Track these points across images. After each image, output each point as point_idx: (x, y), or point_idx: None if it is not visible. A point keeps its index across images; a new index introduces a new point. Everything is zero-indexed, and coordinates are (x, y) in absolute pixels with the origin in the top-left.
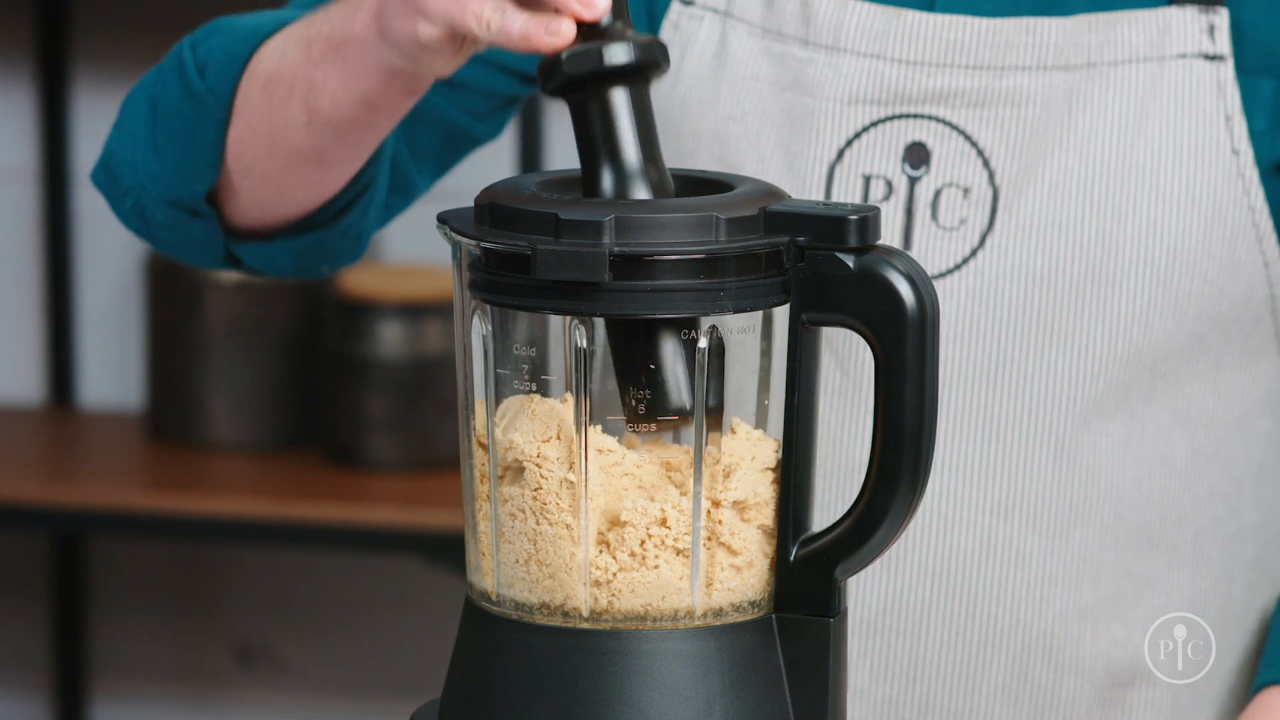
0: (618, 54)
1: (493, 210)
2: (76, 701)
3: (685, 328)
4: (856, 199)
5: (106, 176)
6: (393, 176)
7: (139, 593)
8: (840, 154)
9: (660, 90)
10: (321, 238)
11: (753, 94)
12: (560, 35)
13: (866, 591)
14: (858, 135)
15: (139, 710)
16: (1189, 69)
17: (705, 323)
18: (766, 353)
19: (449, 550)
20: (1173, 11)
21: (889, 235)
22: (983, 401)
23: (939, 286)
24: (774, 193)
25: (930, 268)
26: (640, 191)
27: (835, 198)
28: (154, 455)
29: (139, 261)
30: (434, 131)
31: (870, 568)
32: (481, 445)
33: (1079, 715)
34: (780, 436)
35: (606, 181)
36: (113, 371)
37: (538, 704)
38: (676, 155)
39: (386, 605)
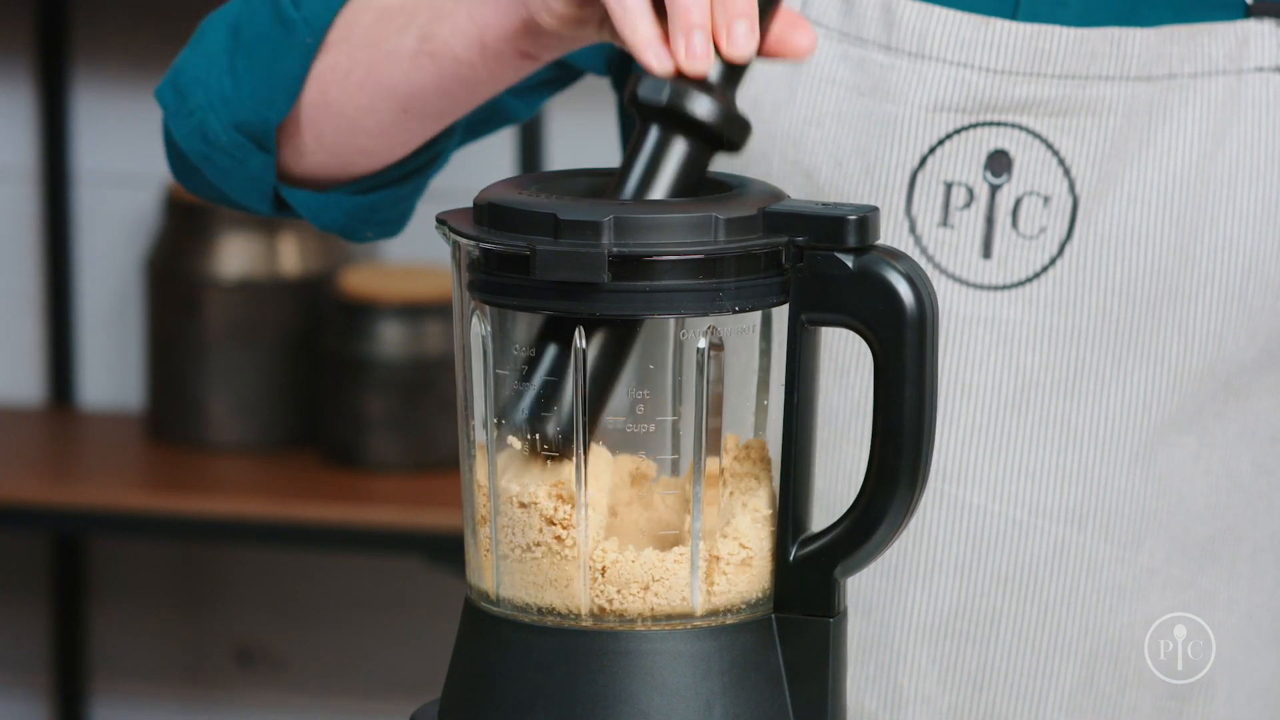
0: (699, 106)
1: (492, 210)
2: (76, 701)
3: (683, 328)
4: (937, 206)
5: (173, 93)
6: None
7: (139, 593)
8: (923, 161)
9: None
10: (376, 201)
11: (830, 97)
12: (666, 65)
13: (938, 597)
14: (941, 142)
15: (139, 710)
16: (1266, 83)
17: (704, 323)
18: (766, 353)
19: (449, 550)
20: (1251, 24)
21: (969, 242)
22: (1061, 409)
23: (1020, 295)
24: (773, 193)
25: (1010, 275)
26: None
27: (916, 204)
28: (154, 455)
29: (139, 261)
30: None
31: (943, 574)
32: (481, 445)
33: None
34: (779, 437)
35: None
36: (113, 372)
37: (538, 704)
38: (748, 157)
39: (386, 605)
